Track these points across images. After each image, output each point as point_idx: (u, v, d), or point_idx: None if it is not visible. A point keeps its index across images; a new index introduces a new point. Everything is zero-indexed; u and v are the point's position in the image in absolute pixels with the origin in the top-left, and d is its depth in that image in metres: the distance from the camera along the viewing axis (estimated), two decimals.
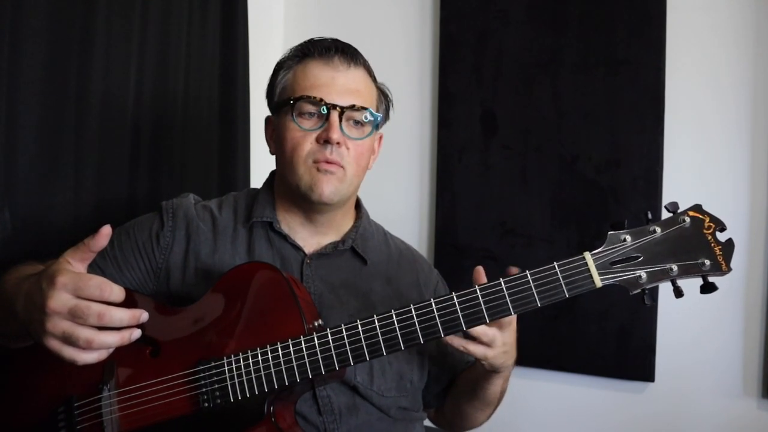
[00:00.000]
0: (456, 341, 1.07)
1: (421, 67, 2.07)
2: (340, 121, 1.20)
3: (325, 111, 1.19)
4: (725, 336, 1.69)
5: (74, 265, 0.98)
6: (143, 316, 0.98)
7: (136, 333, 0.98)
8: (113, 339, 0.95)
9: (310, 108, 1.21)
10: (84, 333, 0.94)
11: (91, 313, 0.93)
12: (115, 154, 1.65)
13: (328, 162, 1.19)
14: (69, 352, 0.95)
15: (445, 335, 1.02)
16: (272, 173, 1.36)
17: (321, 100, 1.19)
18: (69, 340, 0.94)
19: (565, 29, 1.84)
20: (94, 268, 1.25)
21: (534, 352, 1.85)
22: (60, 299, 0.93)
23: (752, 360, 1.67)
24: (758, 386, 1.66)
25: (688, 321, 1.72)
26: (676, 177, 1.73)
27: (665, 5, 1.72)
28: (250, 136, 2.04)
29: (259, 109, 2.04)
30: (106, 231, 0.98)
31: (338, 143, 1.19)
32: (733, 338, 1.68)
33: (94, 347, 0.95)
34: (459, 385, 1.34)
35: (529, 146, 1.88)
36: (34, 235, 1.45)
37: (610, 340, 1.78)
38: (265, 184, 1.35)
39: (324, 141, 1.19)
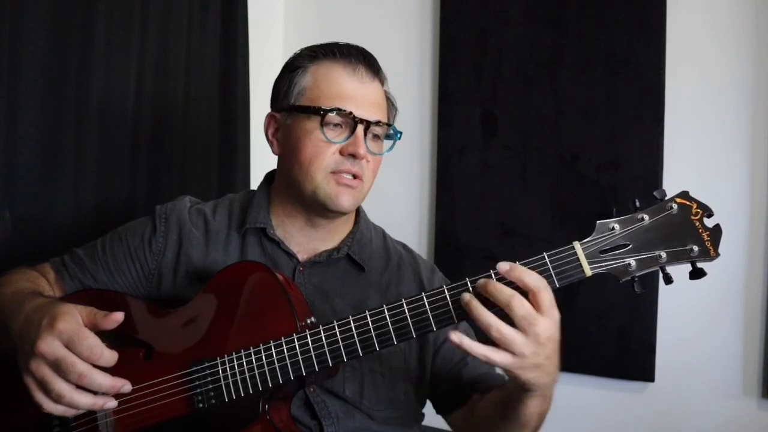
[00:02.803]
0: (477, 347, 0.95)
1: (421, 67, 2.07)
2: (365, 135, 1.20)
3: (352, 124, 1.19)
4: (725, 336, 1.69)
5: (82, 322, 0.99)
6: (125, 387, 0.99)
7: (111, 403, 0.99)
8: (85, 402, 0.97)
9: (338, 120, 1.19)
10: (58, 387, 0.95)
11: (74, 371, 0.94)
12: (115, 155, 1.65)
13: (349, 173, 1.19)
14: (38, 397, 0.97)
15: (437, 328, 1.00)
16: (268, 174, 1.35)
17: (350, 113, 1.18)
18: (44, 387, 0.95)
19: (565, 29, 1.84)
20: (86, 274, 1.26)
21: None
22: (50, 345, 0.94)
23: (752, 360, 1.66)
24: (758, 386, 1.66)
25: (688, 321, 1.72)
26: (676, 177, 1.73)
27: (665, 5, 1.72)
28: (250, 136, 2.04)
29: (259, 110, 2.04)
30: (118, 317, 0.99)
31: (362, 157, 1.19)
32: (733, 338, 1.68)
33: (62, 403, 0.96)
34: (489, 403, 1.18)
35: (529, 146, 1.88)
36: (34, 235, 1.45)
37: (610, 340, 1.78)
38: (261, 186, 1.33)
39: (349, 154, 1.19)
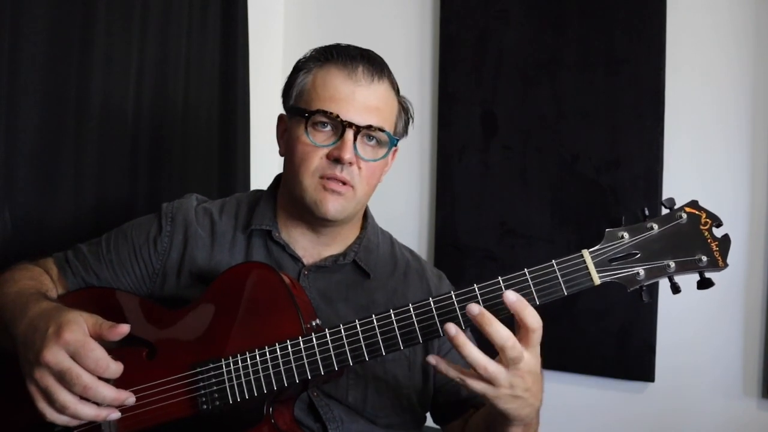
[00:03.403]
0: (453, 371, 0.96)
1: (421, 67, 2.07)
2: (355, 139, 1.15)
3: (340, 128, 1.15)
4: (725, 336, 1.69)
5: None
6: (129, 400, 0.99)
7: (115, 415, 0.99)
8: (89, 413, 0.97)
9: (325, 123, 1.16)
10: (62, 397, 0.95)
11: (79, 383, 0.94)
12: (115, 155, 1.65)
13: (336, 180, 1.15)
14: (42, 406, 0.97)
15: (444, 334, 0.99)
16: (278, 177, 1.33)
17: (337, 116, 1.14)
18: (48, 397, 0.95)
19: (565, 29, 1.84)
20: (90, 272, 1.25)
21: None
22: (56, 356, 0.94)
23: (752, 360, 1.67)
24: (758, 386, 1.66)
25: (688, 321, 1.72)
26: (676, 177, 1.73)
27: (665, 5, 1.72)
28: (250, 137, 2.04)
29: (258, 111, 2.05)
30: (123, 330, 0.99)
31: (350, 163, 1.15)
32: (733, 338, 1.68)
33: (66, 414, 0.96)
34: (480, 420, 1.18)
35: (529, 146, 1.88)
36: (34, 235, 1.45)
37: (610, 340, 1.78)
38: (269, 188, 1.32)
39: (335, 159, 1.15)
